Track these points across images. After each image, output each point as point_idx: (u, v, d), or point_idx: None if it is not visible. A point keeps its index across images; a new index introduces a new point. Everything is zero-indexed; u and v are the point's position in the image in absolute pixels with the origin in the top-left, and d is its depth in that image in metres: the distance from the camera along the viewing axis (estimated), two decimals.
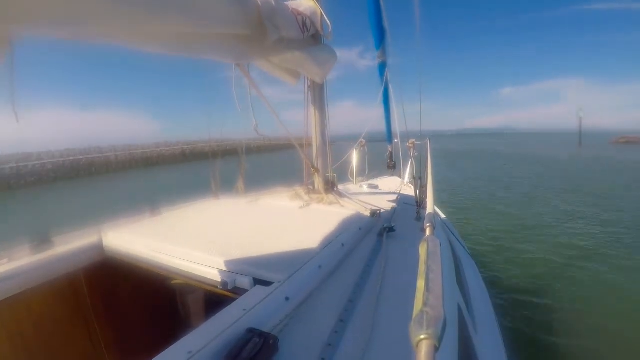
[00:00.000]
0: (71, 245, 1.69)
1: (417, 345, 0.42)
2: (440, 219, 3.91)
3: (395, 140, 4.61)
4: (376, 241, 1.82)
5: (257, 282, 1.28)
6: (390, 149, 5.16)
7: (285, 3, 1.81)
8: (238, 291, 1.27)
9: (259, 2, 1.45)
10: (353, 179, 4.32)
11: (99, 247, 1.75)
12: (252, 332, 0.92)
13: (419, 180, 2.66)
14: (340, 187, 2.97)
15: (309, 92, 2.65)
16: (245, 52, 1.56)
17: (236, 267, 1.36)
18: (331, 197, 2.54)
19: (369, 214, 2.21)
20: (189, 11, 1.11)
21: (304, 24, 1.90)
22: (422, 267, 0.62)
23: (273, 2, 1.54)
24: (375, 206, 2.37)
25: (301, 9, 1.94)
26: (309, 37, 2.05)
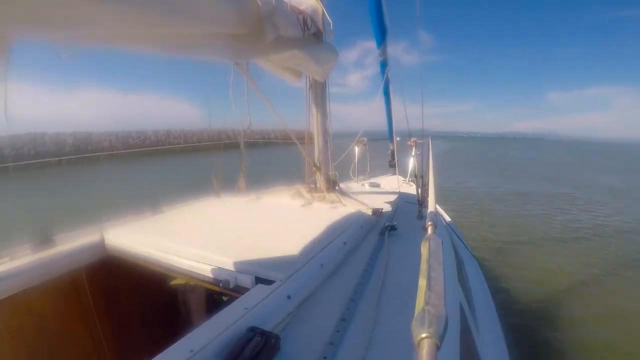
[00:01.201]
0: (73, 243, 1.69)
1: (418, 344, 0.42)
2: (443, 217, 3.90)
3: (398, 139, 4.61)
4: (378, 240, 1.82)
5: (259, 280, 1.28)
6: (392, 148, 5.16)
7: (286, 1, 1.79)
8: (239, 290, 1.27)
9: (258, 1, 1.44)
10: (355, 177, 4.32)
11: (101, 245, 1.76)
12: (253, 331, 0.92)
13: (420, 178, 2.66)
14: (342, 185, 2.97)
15: (310, 91, 2.65)
16: (242, 51, 1.55)
17: (237, 265, 1.36)
18: (333, 195, 2.54)
19: (370, 213, 2.21)
20: (185, 12, 1.11)
21: (305, 22, 1.89)
22: (423, 266, 0.62)
23: (273, 1, 1.53)
24: (376, 205, 2.36)
25: (302, 7, 1.93)
26: (309, 35, 2.04)
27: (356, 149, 4.46)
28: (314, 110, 2.66)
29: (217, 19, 1.27)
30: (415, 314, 0.47)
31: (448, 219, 4.39)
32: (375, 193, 3.39)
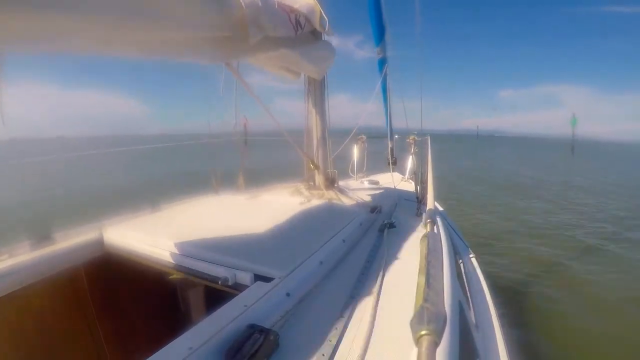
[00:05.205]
0: (72, 240, 1.69)
1: (417, 341, 0.42)
2: (441, 214, 3.90)
3: (396, 136, 4.61)
4: (377, 237, 1.82)
5: (258, 277, 1.28)
6: (390, 145, 5.16)
7: (275, 0, 1.76)
8: (238, 287, 1.27)
9: (242, 3, 1.42)
10: (354, 174, 4.32)
11: (100, 243, 1.75)
12: (252, 328, 0.92)
13: (419, 176, 2.66)
14: (341, 183, 2.96)
15: (308, 88, 2.64)
16: (228, 53, 1.52)
17: (237, 262, 1.36)
18: (332, 193, 2.54)
19: (369, 210, 2.21)
20: (167, 18, 1.10)
21: (297, 21, 1.86)
22: (422, 263, 0.62)
23: (259, 2, 1.50)
24: (375, 202, 2.37)
25: (296, 6, 1.89)
26: (304, 34, 2.01)
27: (355, 147, 4.46)
28: (312, 108, 2.66)
29: (199, 23, 1.25)
30: (415, 312, 0.47)
31: (447, 215, 4.39)
32: (374, 190, 3.39)
